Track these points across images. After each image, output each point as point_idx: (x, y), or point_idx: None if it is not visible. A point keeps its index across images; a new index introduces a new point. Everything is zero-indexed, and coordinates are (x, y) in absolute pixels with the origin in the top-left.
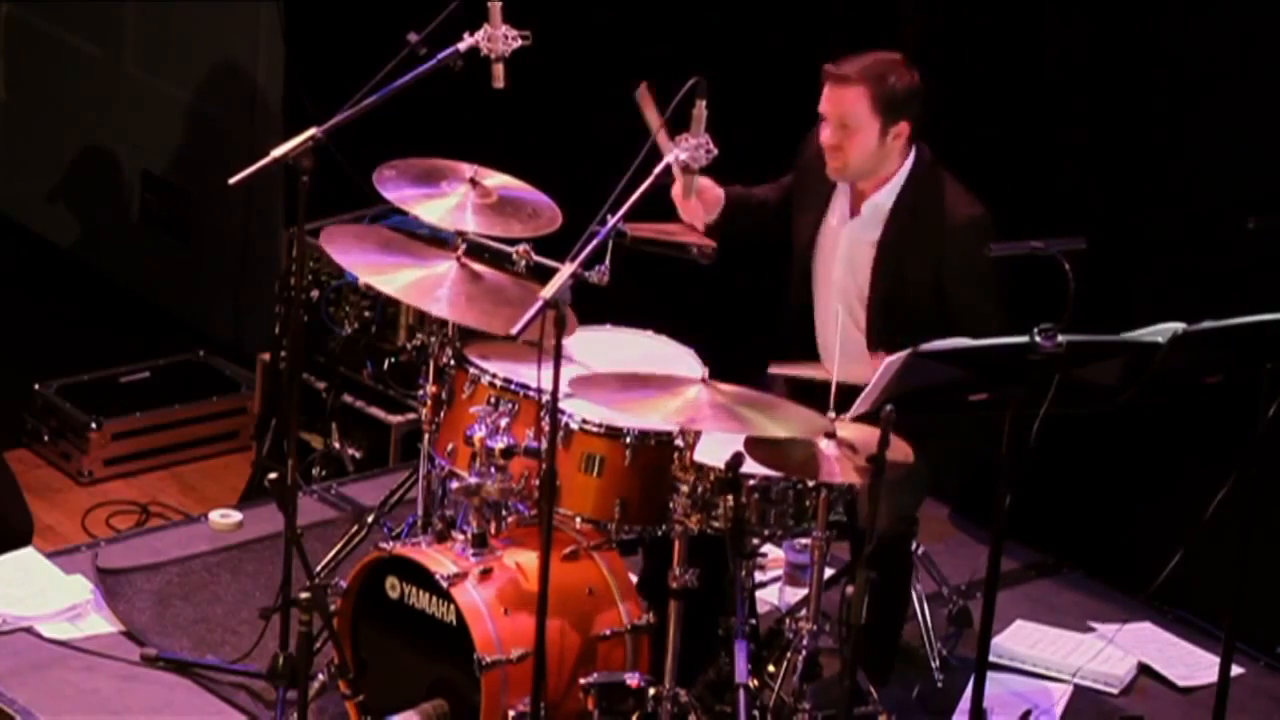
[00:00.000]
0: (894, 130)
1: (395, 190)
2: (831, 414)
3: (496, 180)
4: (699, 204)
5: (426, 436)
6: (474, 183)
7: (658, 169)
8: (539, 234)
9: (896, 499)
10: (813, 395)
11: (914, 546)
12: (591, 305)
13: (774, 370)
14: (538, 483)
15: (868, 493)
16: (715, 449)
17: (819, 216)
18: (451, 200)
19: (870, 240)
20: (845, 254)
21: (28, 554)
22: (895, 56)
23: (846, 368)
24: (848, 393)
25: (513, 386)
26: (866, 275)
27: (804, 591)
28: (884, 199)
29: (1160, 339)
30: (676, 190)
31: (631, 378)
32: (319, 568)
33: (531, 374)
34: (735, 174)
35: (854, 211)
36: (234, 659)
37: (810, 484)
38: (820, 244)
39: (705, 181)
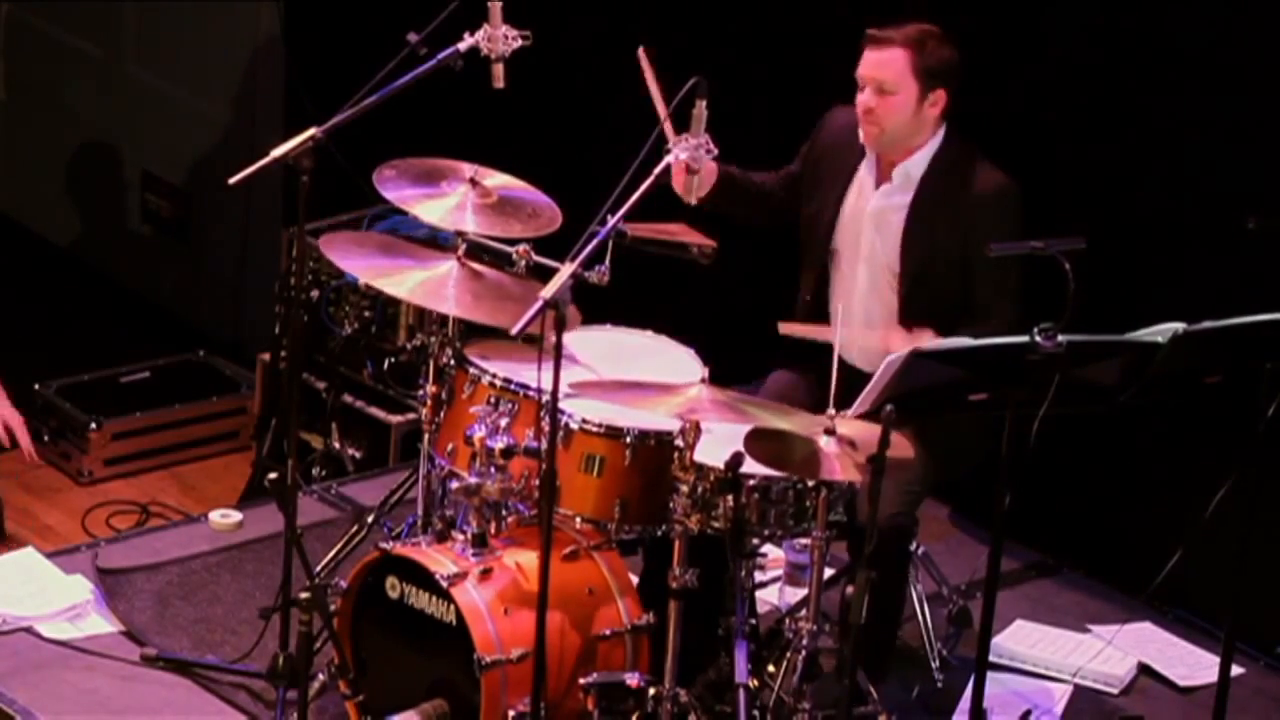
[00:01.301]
0: (931, 98)
1: (395, 190)
2: (831, 411)
3: (496, 180)
4: (690, 177)
5: (426, 436)
6: (474, 183)
7: (658, 169)
8: (539, 234)
9: (898, 491)
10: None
11: (914, 546)
12: (591, 305)
13: (784, 330)
14: (538, 483)
15: (867, 491)
16: (715, 449)
17: (841, 193)
18: (451, 200)
19: (900, 206)
20: (873, 222)
21: (28, 554)
22: (935, 28)
23: (863, 356)
24: (863, 380)
25: (513, 386)
26: (896, 242)
27: (804, 591)
28: (915, 166)
29: (1160, 339)
30: (676, 176)
31: (632, 384)
32: (319, 568)
33: (531, 374)
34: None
35: (882, 179)
36: (234, 659)
37: (810, 484)
38: (843, 221)
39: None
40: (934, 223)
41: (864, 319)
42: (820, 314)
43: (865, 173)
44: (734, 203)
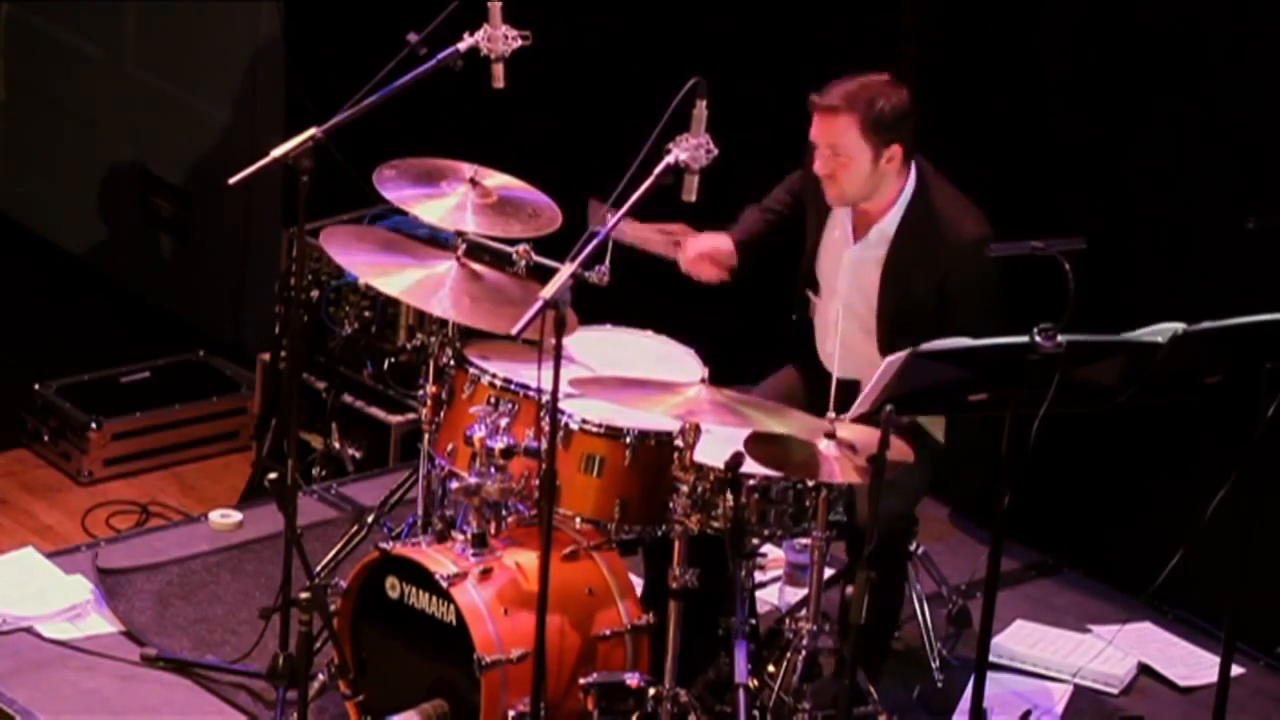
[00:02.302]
0: (886, 154)
1: (395, 190)
2: (831, 414)
3: (496, 180)
4: (710, 266)
5: (426, 436)
6: (474, 183)
7: (658, 169)
8: (539, 234)
9: (894, 493)
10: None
11: (914, 546)
12: (591, 305)
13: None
14: (538, 483)
15: (867, 492)
16: (715, 449)
17: (819, 226)
18: (451, 200)
19: (876, 260)
20: (850, 274)
21: (28, 554)
22: (882, 78)
23: (850, 367)
24: (850, 390)
25: (513, 386)
26: (874, 293)
27: (804, 591)
28: (889, 223)
29: (1160, 339)
30: (688, 255)
31: (632, 381)
32: (319, 568)
33: (531, 374)
34: (734, 175)
35: (858, 234)
36: (234, 659)
37: (810, 484)
38: (822, 257)
39: (709, 244)
40: (910, 275)
41: (849, 348)
42: (807, 328)
43: (842, 217)
44: (760, 252)
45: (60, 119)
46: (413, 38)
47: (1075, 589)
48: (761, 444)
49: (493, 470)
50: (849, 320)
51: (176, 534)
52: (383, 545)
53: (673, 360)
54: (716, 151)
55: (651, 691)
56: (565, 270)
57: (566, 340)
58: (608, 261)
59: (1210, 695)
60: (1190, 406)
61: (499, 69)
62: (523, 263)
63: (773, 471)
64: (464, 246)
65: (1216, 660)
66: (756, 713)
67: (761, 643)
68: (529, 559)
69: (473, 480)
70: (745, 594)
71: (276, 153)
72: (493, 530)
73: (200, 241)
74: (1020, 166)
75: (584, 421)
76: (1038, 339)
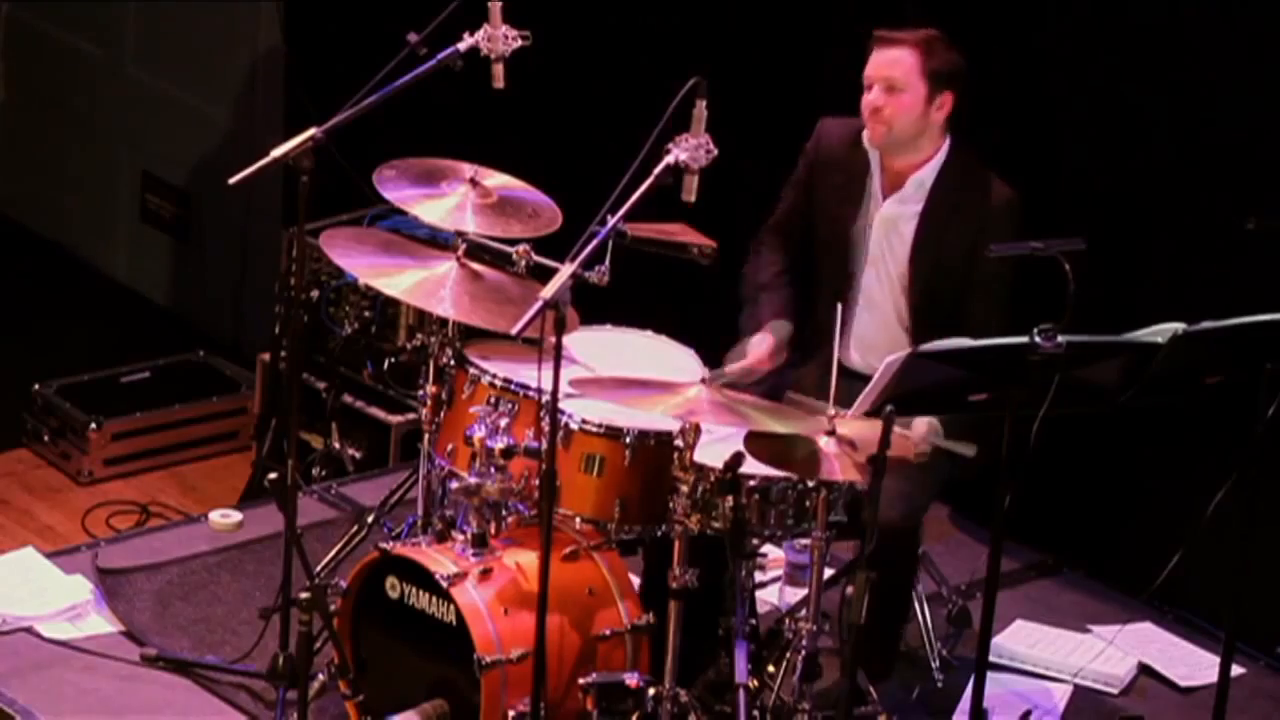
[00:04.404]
0: (938, 100)
1: (395, 190)
2: (831, 410)
3: (496, 180)
4: (772, 357)
5: (426, 436)
6: (474, 183)
7: (658, 169)
8: (539, 234)
9: (908, 495)
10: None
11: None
12: (591, 305)
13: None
14: (538, 483)
15: (877, 491)
16: (715, 449)
17: (854, 211)
18: (451, 200)
19: (912, 213)
20: (884, 231)
21: (28, 554)
22: (940, 33)
23: (869, 358)
24: (859, 380)
25: (513, 386)
26: (906, 251)
27: (804, 591)
28: (926, 175)
29: (1160, 339)
30: (750, 362)
31: (631, 381)
32: (319, 568)
33: (531, 374)
34: (734, 174)
35: (891, 188)
36: (234, 659)
37: (810, 484)
38: (854, 237)
39: (767, 347)
40: (944, 232)
41: (874, 327)
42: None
43: (874, 187)
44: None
45: (60, 119)
46: (413, 38)
47: (1075, 589)
48: (762, 442)
49: (493, 470)
50: (881, 295)
51: (176, 534)
52: (383, 545)
53: (673, 360)
54: (716, 151)
55: (651, 691)
56: (565, 270)
57: (566, 340)
58: (608, 261)
59: (1210, 695)
60: (1190, 406)
61: (499, 69)
62: (523, 263)
63: (773, 470)
64: (464, 247)
65: (1216, 660)
66: (756, 713)
67: (761, 643)
68: (529, 559)
69: (473, 480)
70: (745, 594)
71: (276, 153)
72: (493, 530)
73: (200, 241)
74: (1021, 166)
75: (584, 421)
76: (1038, 339)
